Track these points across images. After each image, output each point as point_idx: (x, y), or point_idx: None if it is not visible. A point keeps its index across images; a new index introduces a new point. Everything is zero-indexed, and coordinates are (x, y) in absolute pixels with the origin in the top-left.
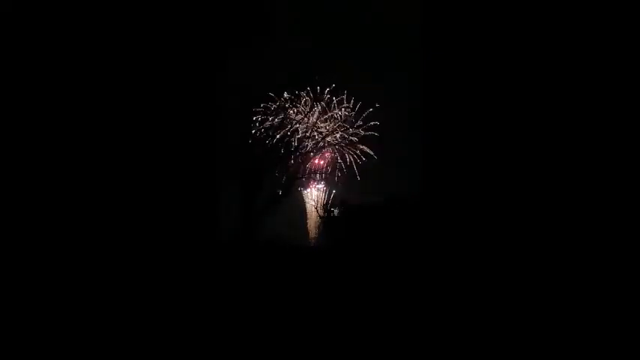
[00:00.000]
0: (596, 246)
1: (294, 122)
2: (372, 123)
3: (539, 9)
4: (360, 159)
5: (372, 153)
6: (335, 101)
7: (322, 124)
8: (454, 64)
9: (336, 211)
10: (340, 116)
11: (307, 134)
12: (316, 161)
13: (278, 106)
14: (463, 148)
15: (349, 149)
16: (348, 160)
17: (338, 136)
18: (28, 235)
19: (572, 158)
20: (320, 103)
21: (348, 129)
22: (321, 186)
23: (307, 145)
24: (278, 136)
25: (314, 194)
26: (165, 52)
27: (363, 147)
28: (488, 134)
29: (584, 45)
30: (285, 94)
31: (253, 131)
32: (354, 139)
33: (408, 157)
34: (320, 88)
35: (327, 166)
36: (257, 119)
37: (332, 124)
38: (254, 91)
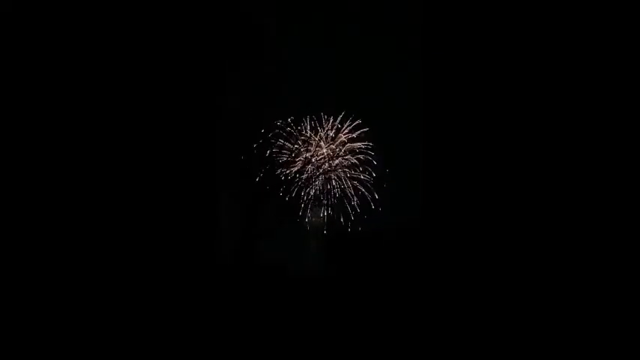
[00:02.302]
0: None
1: (295, 149)
2: (372, 151)
3: (540, 9)
4: (362, 186)
5: (370, 185)
6: (334, 128)
7: (323, 152)
8: (455, 71)
9: (336, 237)
10: (342, 143)
11: (308, 161)
12: (317, 188)
13: (280, 132)
14: (463, 173)
15: (350, 176)
16: (349, 187)
17: (338, 163)
18: (24, 235)
19: (576, 162)
20: (322, 131)
21: (347, 154)
22: (322, 212)
23: (308, 171)
24: (280, 162)
25: (314, 220)
26: (165, 70)
27: (364, 176)
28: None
29: (585, 45)
30: (289, 120)
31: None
32: (356, 169)
33: (408, 185)
34: (324, 115)
35: (327, 193)
36: (259, 144)
37: (332, 152)
38: (256, 116)
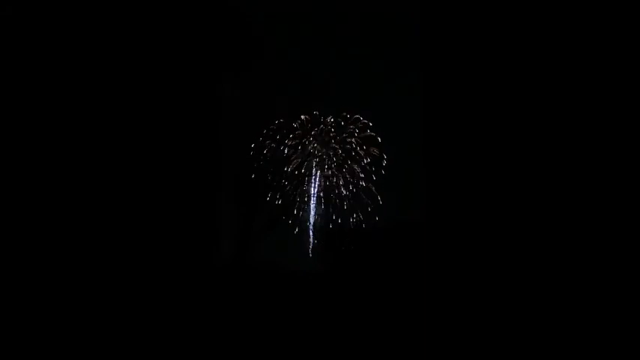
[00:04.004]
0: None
1: (290, 147)
2: (372, 150)
3: (541, 9)
4: (359, 182)
5: (363, 176)
6: (333, 127)
7: (321, 148)
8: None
9: (334, 235)
10: (340, 142)
11: (305, 158)
12: (314, 185)
13: (276, 130)
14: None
15: (348, 175)
16: (346, 183)
17: (336, 162)
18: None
19: (578, 161)
20: (319, 130)
21: (346, 153)
22: (320, 209)
23: (304, 168)
24: (275, 161)
25: (311, 218)
26: (162, 72)
27: (360, 173)
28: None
29: (589, 46)
30: (287, 121)
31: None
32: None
33: (408, 179)
34: (319, 113)
35: (324, 190)
36: (257, 145)
37: (330, 149)
38: (255, 116)
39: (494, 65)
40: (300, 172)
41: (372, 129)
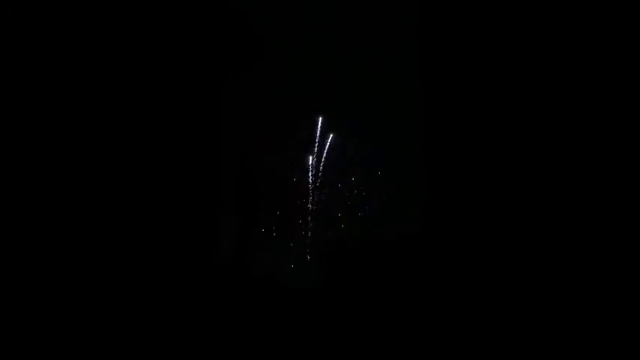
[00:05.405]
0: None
1: (291, 159)
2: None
3: (542, 9)
4: (360, 193)
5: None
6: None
7: (319, 165)
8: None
9: (333, 246)
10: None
11: (305, 168)
12: (313, 197)
13: (275, 138)
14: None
15: (347, 183)
16: (347, 194)
17: (335, 172)
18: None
19: (590, 168)
20: (317, 144)
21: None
22: (320, 220)
23: (304, 179)
24: (276, 170)
25: (311, 227)
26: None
27: (361, 183)
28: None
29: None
30: (286, 128)
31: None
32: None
33: (408, 183)
34: (318, 121)
35: (324, 202)
36: (257, 152)
37: (328, 168)
38: (254, 122)
39: (495, 65)
40: (298, 185)
41: (370, 132)
